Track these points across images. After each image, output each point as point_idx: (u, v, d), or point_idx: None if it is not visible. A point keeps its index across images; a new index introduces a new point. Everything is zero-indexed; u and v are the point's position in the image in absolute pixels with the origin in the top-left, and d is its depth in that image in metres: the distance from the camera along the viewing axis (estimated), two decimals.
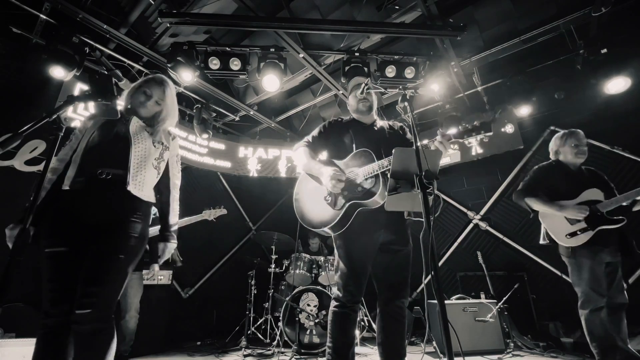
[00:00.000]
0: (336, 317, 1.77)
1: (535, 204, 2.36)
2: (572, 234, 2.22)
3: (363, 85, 1.87)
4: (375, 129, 2.04)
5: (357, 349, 3.24)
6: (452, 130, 1.68)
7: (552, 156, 2.55)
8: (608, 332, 2.07)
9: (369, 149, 1.83)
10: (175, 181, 1.78)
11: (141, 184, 1.54)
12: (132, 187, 1.50)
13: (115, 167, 1.50)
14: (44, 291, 1.38)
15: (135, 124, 1.63)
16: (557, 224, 2.29)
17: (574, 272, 2.23)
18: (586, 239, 2.17)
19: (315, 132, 2.09)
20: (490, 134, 1.58)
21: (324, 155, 2.09)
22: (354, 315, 1.77)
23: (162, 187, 1.72)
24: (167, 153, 1.71)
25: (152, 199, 1.63)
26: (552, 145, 2.54)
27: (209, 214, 3.19)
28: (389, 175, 1.45)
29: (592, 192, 2.25)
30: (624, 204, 2.18)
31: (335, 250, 1.88)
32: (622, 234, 2.20)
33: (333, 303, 1.81)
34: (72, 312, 1.33)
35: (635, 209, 2.19)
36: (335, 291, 1.83)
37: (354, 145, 1.92)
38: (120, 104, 1.74)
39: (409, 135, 2.05)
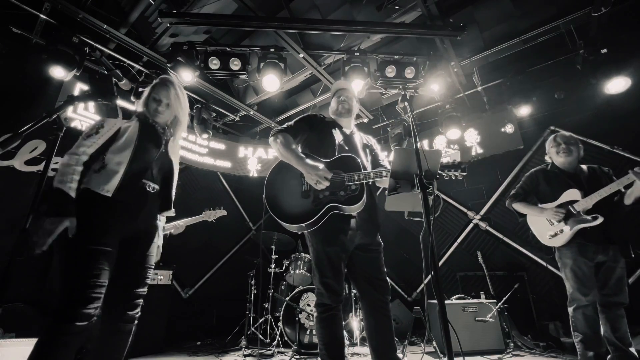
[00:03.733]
0: (323, 322, 1.72)
1: (521, 208, 2.50)
2: (553, 235, 2.32)
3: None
4: (355, 139, 2.06)
5: (357, 349, 3.24)
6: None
7: (547, 160, 2.61)
8: (592, 329, 2.13)
9: (354, 156, 1.85)
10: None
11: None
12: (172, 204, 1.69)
13: (157, 183, 1.63)
14: (70, 290, 1.26)
15: (171, 143, 1.73)
16: (541, 226, 2.41)
17: (561, 270, 2.34)
18: (566, 238, 2.26)
19: (295, 122, 2.03)
20: (465, 174, 1.68)
21: (300, 146, 2.05)
22: (340, 314, 1.74)
23: None
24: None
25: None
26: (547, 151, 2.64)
27: (209, 215, 3.18)
28: (386, 185, 1.46)
29: (571, 193, 2.32)
30: (616, 198, 2.21)
31: (312, 252, 1.82)
32: (608, 230, 2.18)
33: (317, 310, 1.76)
34: (119, 313, 1.45)
35: (627, 202, 2.17)
36: (316, 297, 1.77)
37: (336, 147, 1.92)
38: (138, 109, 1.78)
39: (379, 154, 2.11)
